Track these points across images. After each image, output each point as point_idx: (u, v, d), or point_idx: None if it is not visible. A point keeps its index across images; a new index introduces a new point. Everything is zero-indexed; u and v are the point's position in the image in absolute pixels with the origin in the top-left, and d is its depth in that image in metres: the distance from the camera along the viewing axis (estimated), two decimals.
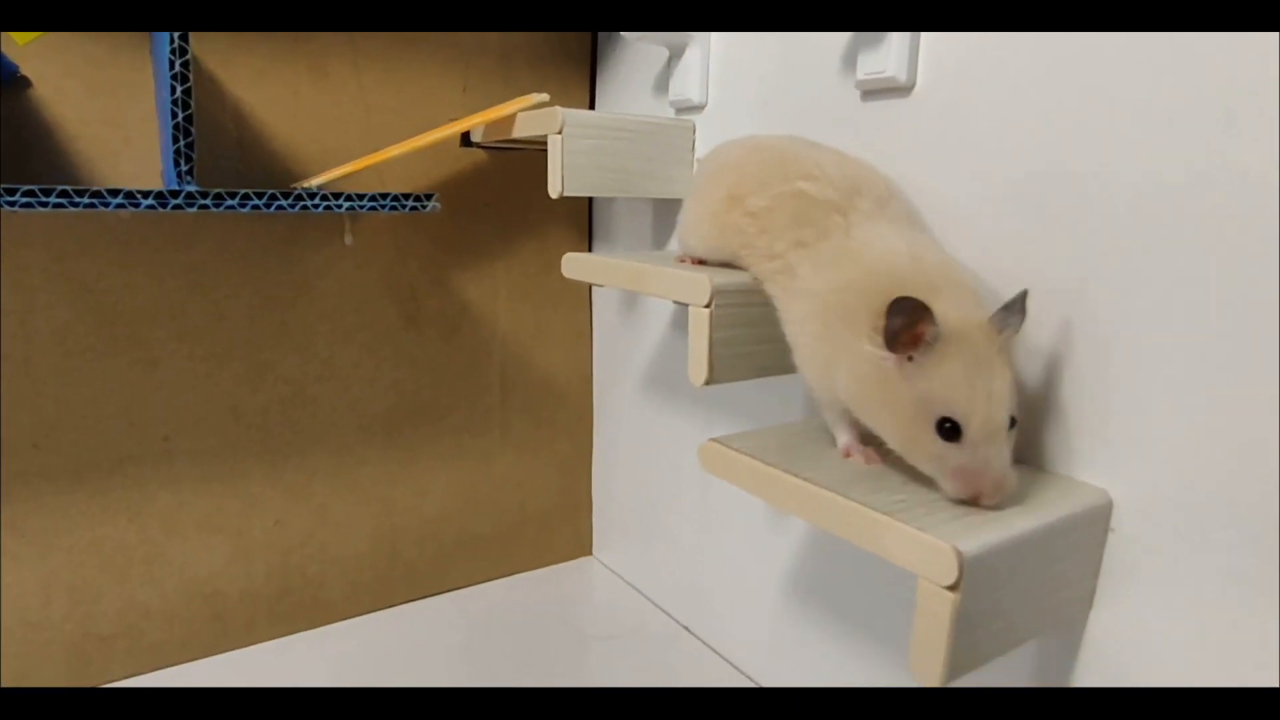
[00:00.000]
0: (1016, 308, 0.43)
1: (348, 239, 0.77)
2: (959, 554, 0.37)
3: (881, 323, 0.42)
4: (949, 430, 0.40)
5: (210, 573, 0.75)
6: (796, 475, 0.46)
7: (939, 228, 0.53)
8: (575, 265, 0.66)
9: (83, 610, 0.70)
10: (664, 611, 0.86)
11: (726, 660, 0.77)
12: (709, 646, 0.79)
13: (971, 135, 0.51)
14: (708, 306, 0.52)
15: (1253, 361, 0.39)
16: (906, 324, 0.41)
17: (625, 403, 0.89)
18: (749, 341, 0.54)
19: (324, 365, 0.78)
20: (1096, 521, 0.45)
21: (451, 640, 0.79)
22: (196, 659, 0.75)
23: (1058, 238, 0.47)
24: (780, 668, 0.72)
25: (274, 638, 0.79)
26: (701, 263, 0.60)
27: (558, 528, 0.95)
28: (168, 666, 0.74)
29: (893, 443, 0.44)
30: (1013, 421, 0.41)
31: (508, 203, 0.85)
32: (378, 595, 0.84)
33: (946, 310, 0.42)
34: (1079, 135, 0.45)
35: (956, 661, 0.38)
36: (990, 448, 0.40)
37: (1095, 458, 0.46)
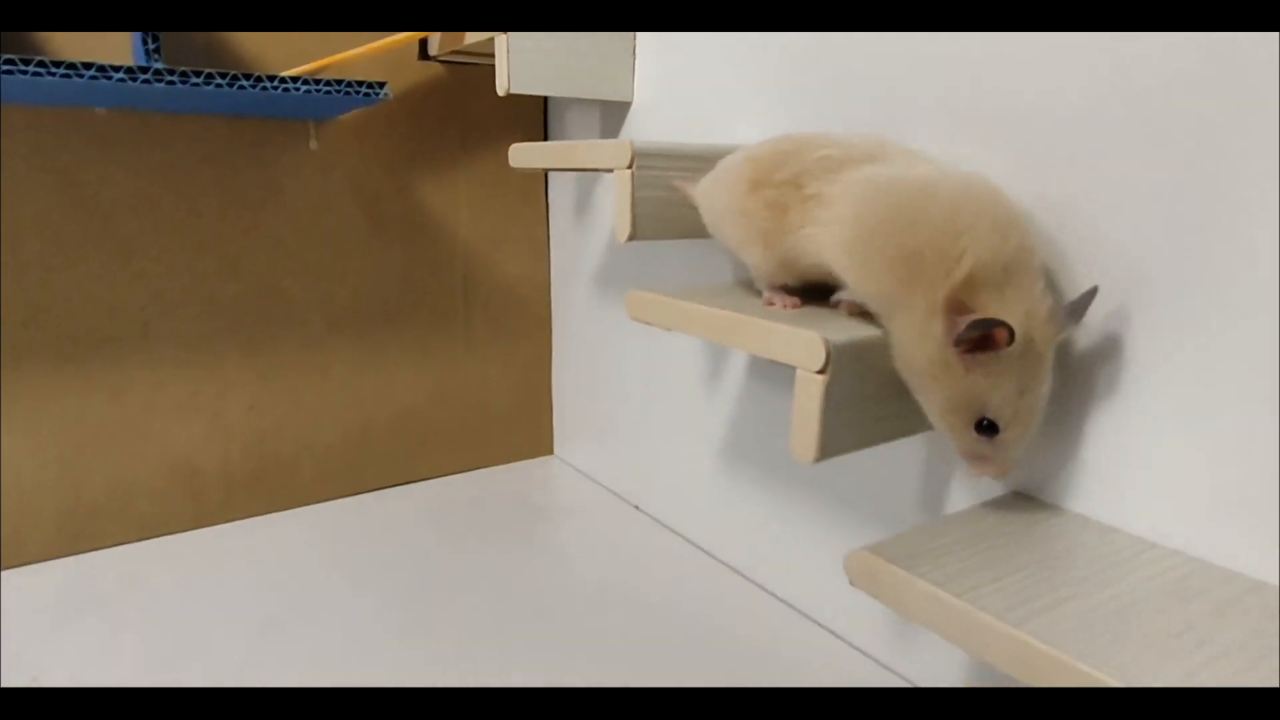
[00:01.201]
0: (1082, 308, 0.42)
1: (313, 144, 0.83)
2: (826, 342, 0.43)
3: (953, 320, 0.41)
4: (987, 427, 0.42)
5: (189, 451, 0.81)
6: (709, 305, 0.51)
7: None
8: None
9: (72, 479, 0.76)
10: (617, 495, 0.92)
11: (672, 530, 0.84)
12: (658, 521, 0.86)
13: None
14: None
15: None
16: (982, 338, 0.40)
17: (580, 310, 0.95)
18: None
19: (294, 262, 0.83)
20: None
21: (421, 522, 0.85)
22: (178, 532, 0.81)
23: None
24: (718, 532, 0.78)
25: (251, 515, 0.85)
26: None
27: (520, 427, 1.01)
28: (152, 538, 0.80)
29: (926, 403, 0.44)
30: None
31: (466, 116, 0.90)
32: (349, 481, 0.90)
33: (1016, 311, 0.41)
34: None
35: (827, 442, 0.44)
36: (1016, 446, 0.43)
37: None
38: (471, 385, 0.97)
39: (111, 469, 0.77)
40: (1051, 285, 0.45)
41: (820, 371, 0.43)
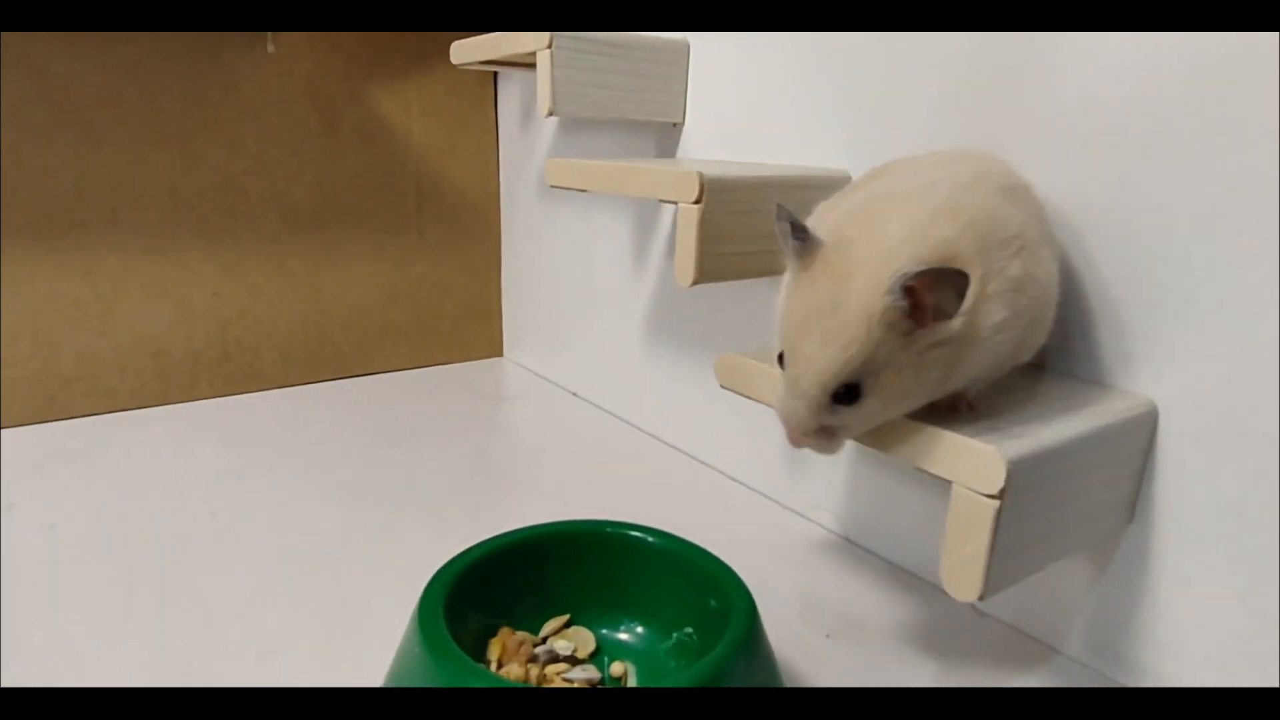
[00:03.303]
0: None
1: (270, 47, 0.88)
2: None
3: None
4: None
5: (156, 332, 0.87)
6: None
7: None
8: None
9: (44, 353, 0.82)
10: (559, 386, 0.99)
11: (607, 411, 0.91)
12: (596, 405, 0.93)
13: None
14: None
15: None
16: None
17: (528, 217, 1.02)
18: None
19: (252, 160, 0.89)
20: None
21: (374, 406, 0.92)
22: (145, 407, 0.88)
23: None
24: (645, 407, 0.86)
25: (214, 396, 0.91)
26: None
27: (471, 328, 1.08)
28: (121, 410, 0.86)
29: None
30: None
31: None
32: (308, 370, 0.97)
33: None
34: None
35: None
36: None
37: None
38: (424, 287, 1.03)
39: (82, 345, 0.84)
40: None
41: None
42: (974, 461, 0.39)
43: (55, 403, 0.83)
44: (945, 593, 0.53)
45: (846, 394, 0.38)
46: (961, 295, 0.37)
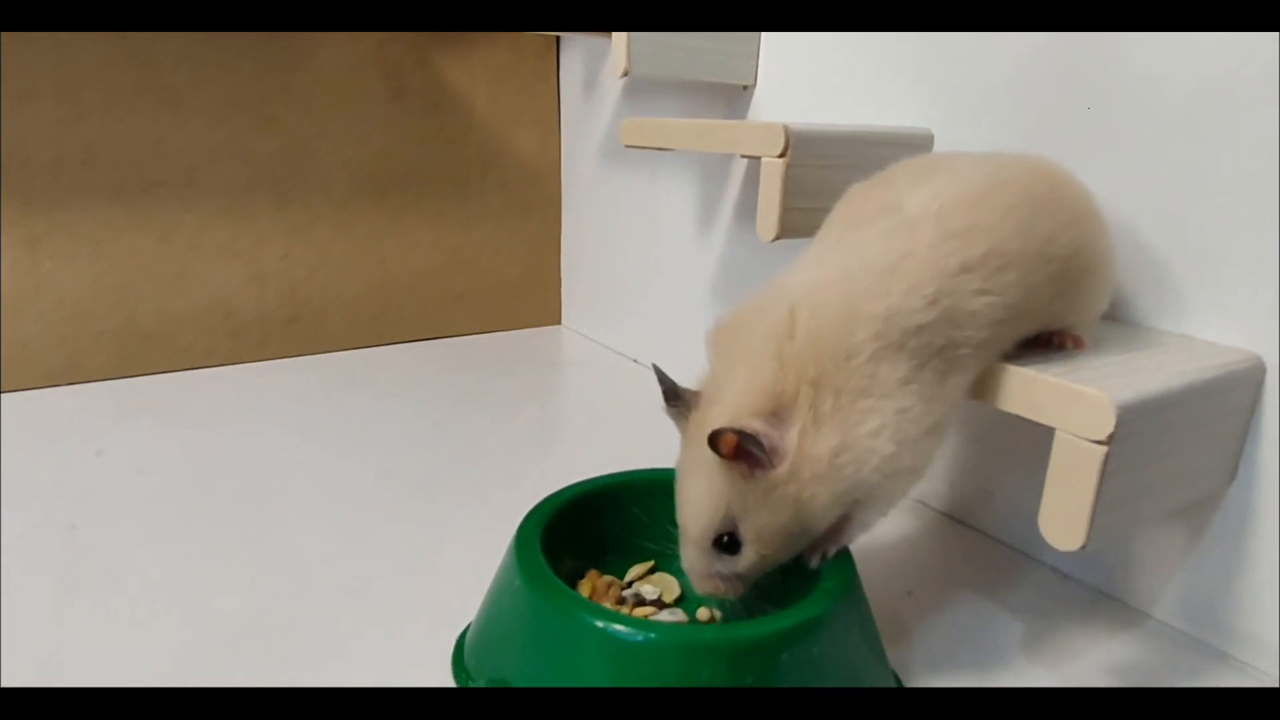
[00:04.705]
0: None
1: None
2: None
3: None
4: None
5: (229, 292, 0.89)
6: None
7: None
8: None
9: (125, 310, 0.84)
10: (618, 353, 0.99)
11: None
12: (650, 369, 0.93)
13: None
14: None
15: None
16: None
17: (588, 187, 1.02)
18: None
19: (322, 124, 0.90)
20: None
21: (437, 370, 0.93)
22: (218, 365, 0.90)
23: None
24: None
25: (283, 357, 0.93)
26: None
27: (530, 296, 1.08)
28: (195, 369, 0.89)
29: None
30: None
31: None
32: (372, 333, 0.98)
33: None
34: None
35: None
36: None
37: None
38: (484, 254, 1.04)
39: (160, 303, 0.86)
40: None
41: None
42: (1081, 407, 0.38)
43: (135, 359, 0.86)
44: (1029, 557, 0.52)
45: (729, 543, 0.39)
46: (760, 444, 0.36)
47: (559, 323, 1.11)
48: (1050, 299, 0.42)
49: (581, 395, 0.90)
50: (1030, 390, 0.40)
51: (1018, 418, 0.41)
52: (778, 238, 0.55)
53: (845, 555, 0.42)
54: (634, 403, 0.85)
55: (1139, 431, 0.38)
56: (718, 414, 0.38)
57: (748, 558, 0.39)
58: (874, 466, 0.38)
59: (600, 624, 0.36)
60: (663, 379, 0.42)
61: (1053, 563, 0.57)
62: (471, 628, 0.44)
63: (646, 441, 0.76)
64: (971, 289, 0.39)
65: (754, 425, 0.37)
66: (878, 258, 0.39)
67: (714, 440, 0.36)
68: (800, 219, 0.56)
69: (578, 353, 1.01)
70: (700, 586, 0.41)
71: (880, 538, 0.60)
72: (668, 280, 0.91)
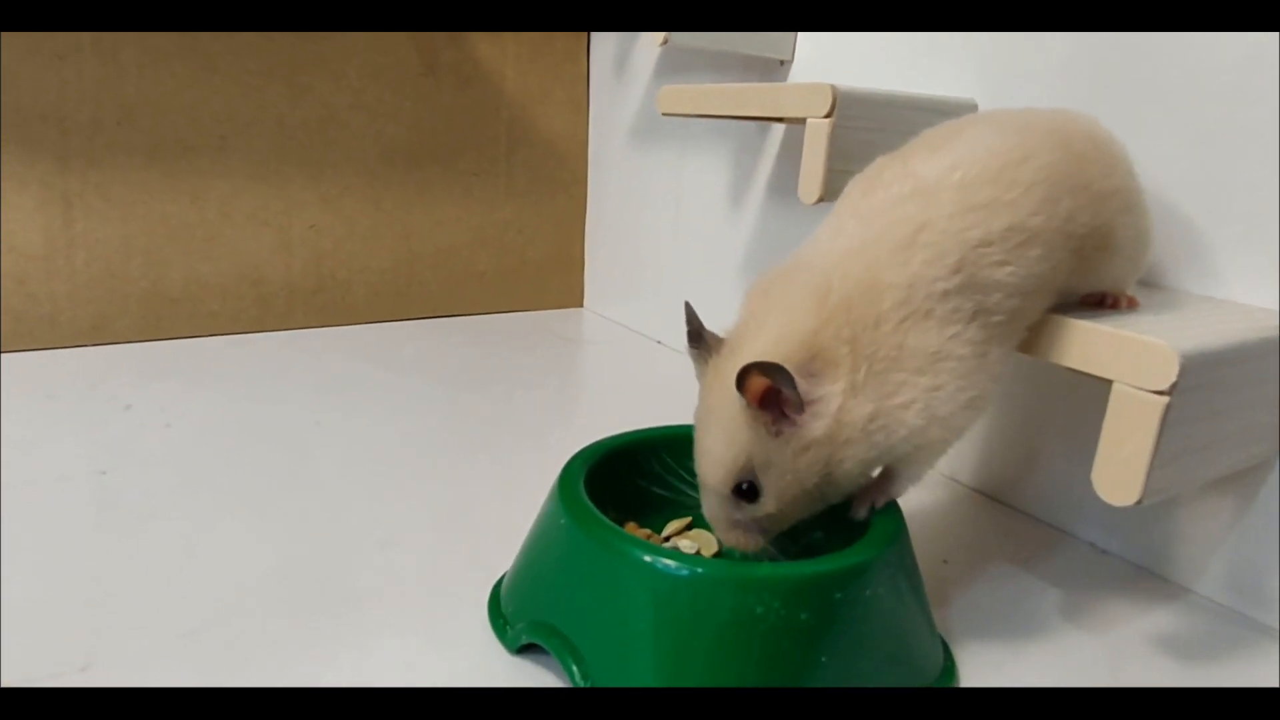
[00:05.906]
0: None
1: None
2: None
3: None
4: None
5: (257, 260, 0.89)
6: None
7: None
8: None
9: (154, 273, 0.84)
10: (642, 334, 0.99)
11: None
12: (679, 350, 0.93)
13: None
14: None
15: None
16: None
17: (615, 170, 1.02)
18: None
19: (354, 95, 0.90)
20: None
21: (461, 344, 0.93)
22: (243, 332, 0.90)
23: None
24: None
25: (308, 326, 0.93)
26: None
27: (553, 276, 1.08)
28: (221, 335, 0.88)
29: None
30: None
31: None
32: (396, 306, 0.98)
33: None
34: None
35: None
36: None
37: None
38: (509, 233, 1.04)
39: (189, 268, 0.86)
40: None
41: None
42: (1143, 357, 0.37)
43: (162, 322, 0.86)
44: (1066, 533, 0.51)
45: (748, 491, 0.38)
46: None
47: (581, 305, 1.10)
48: (1076, 270, 0.41)
49: (603, 371, 0.90)
50: (1089, 341, 0.40)
51: (1054, 392, 0.41)
52: (821, 200, 0.55)
53: (893, 506, 0.41)
54: (656, 377, 0.85)
55: (1198, 384, 0.38)
56: (745, 356, 0.36)
57: (766, 506, 0.38)
58: (903, 437, 0.38)
59: (648, 558, 0.35)
60: (691, 316, 0.40)
61: (1090, 538, 0.56)
62: (508, 575, 0.44)
63: (671, 415, 0.76)
64: (993, 260, 0.38)
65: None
66: (896, 226, 0.39)
67: (742, 379, 0.34)
68: (843, 182, 0.55)
69: (601, 334, 1.01)
70: (725, 537, 0.40)
71: (911, 510, 0.60)
72: (694, 263, 0.90)
